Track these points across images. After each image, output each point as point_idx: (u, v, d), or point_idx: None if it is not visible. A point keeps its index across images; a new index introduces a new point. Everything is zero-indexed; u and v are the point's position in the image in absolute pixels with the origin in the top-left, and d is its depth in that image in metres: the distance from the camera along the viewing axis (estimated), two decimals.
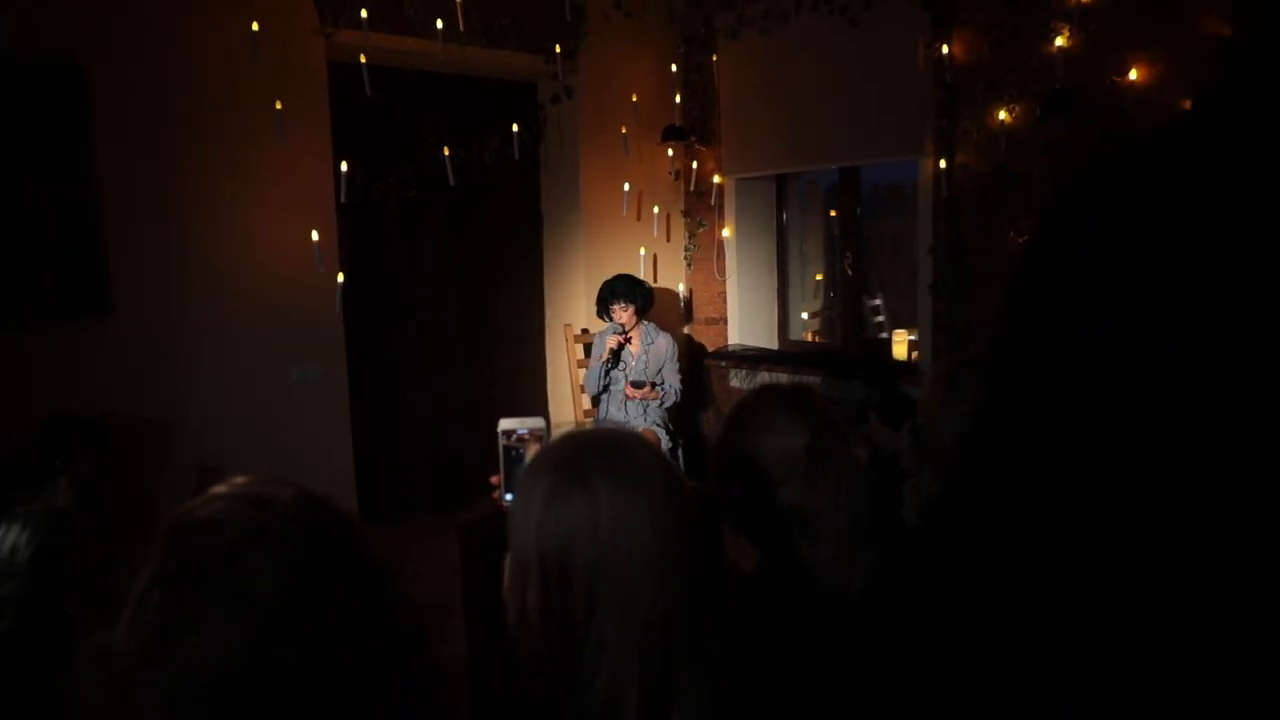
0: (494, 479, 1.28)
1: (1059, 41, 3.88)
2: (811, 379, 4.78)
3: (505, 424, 1.31)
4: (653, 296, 4.55)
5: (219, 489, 0.91)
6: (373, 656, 0.87)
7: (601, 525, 0.92)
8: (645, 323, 4.56)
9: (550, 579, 0.92)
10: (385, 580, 0.92)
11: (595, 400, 4.73)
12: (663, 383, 4.50)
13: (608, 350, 4.45)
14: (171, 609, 0.83)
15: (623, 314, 4.44)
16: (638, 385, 4.38)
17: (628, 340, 4.49)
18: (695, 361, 5.67)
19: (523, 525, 0.96)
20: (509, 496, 1.21)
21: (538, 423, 1.32)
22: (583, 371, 4.87)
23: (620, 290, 4.46)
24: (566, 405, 5.00)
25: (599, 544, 0.92)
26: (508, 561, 1.00)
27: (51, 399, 3.49)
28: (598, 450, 0.98)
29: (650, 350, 4.48)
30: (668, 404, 4.53)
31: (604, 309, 4.56)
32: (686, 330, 5.76)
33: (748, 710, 0.96)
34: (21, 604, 1.89)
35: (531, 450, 1.35)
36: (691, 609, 0.94)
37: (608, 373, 4.52)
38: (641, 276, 5.42)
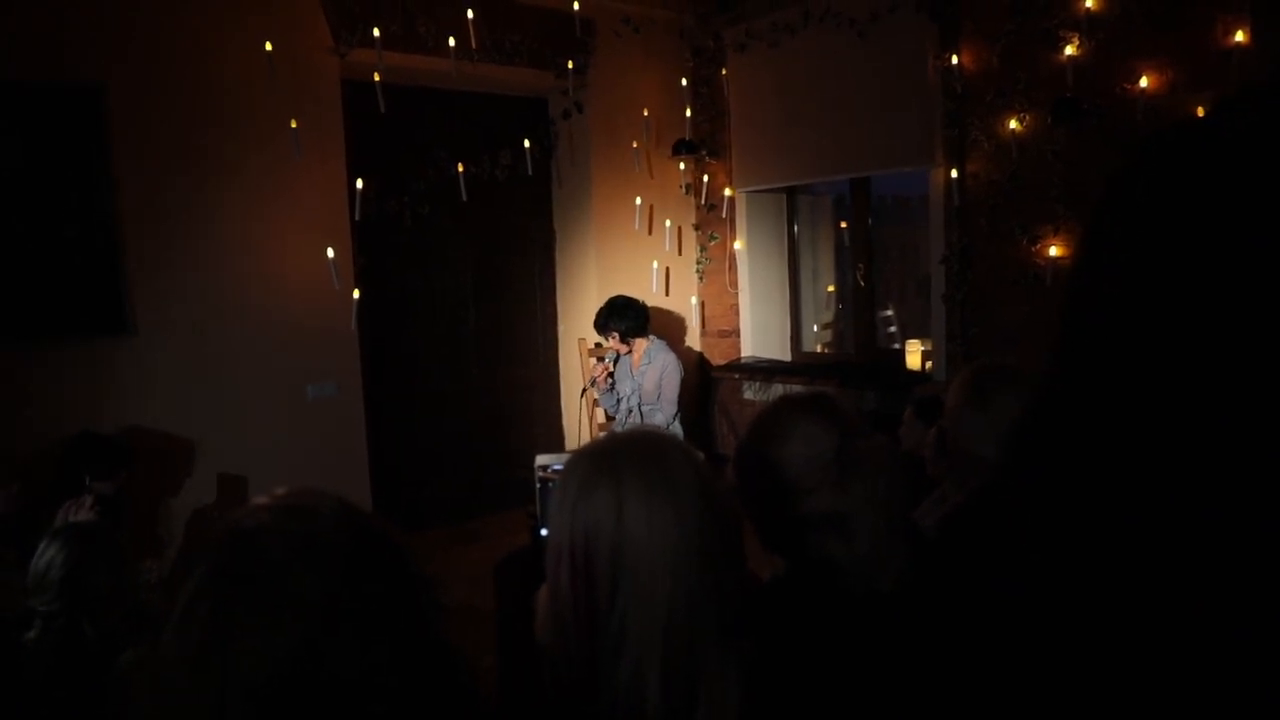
0: (530, 511, 1.32)
1: (1068, 50, 3.89)
2: (824, 390, 4.78)
3: (541, 459, 1.34)
4: (641, 314, 4.48)
5: (261, 500, 0.93)
6: (416, 663, 0.88)
7: (625, 517, 0.99)
8: (653, 339, 4.55)
9: (578, 561, 1.01)
10: (425, 587, 0.94)
11: (608, 414, 4.78)
12: (657, 399, 4.49)
13: (591, 379, 4.63)
14: (219, 618, 0.84)
15: (612, 342, 4.51)
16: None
17: (610, 367, 4.60)
18: (705, 375, 5.68)
19: (558, 510, 1.05)
20: (544, 531, 1.25)
21: None
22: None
23: (599, 324, 4.52)
24: (580, 418, 5.01)
25: (621, 534, 0.99)
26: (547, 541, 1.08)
27: (72, 417, 3.52)
28: (633, 449, 1.06)
29: (649, 368, 4.49)
30: (659, 420, 4.46)
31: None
32: (699, 343, 5.77)
33: (776, 706, 0.98)
34: (50, 618, 1.92)
35: None
36: (719, 607, 0.97)
37: (612, 389, 4.60)
38: (654, 290, 5.45)
